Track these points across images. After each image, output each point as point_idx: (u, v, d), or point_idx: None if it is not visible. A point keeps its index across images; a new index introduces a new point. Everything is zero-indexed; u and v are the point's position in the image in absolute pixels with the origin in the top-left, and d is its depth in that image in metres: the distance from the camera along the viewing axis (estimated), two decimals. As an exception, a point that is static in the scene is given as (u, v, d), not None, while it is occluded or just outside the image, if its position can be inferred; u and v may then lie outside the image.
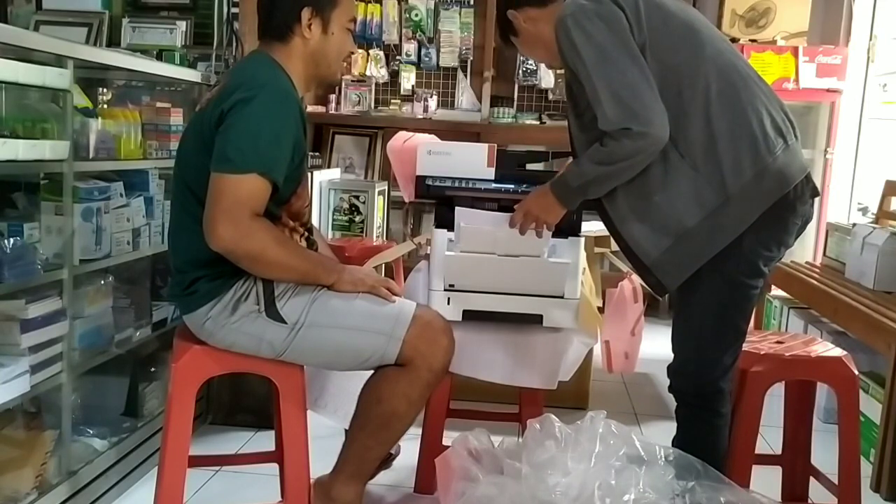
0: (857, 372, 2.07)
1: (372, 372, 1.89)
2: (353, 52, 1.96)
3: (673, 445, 1.82)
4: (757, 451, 2.07)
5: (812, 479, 2.29)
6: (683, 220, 1.79)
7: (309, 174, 1.98)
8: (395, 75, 5.29)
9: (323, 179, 4.25)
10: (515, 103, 5.30)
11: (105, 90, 2.73)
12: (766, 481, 2.14)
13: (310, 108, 5.19)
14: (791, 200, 1.82)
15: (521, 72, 5.23)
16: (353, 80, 5.30)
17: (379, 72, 5.26)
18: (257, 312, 1.81)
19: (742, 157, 1.78)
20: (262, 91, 1.77)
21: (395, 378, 1.84)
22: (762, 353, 2.07)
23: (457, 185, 2.08)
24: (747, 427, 2.03)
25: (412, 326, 1.83)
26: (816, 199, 1.92)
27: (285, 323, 1.81)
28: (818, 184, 4.21)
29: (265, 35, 1.92)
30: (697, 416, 1.92)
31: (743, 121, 1.79)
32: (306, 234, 1.97)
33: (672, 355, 1.95)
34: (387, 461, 2.12)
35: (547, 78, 5.20)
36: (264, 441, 2.64)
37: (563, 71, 2.01)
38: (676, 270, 1.84)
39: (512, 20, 1.99)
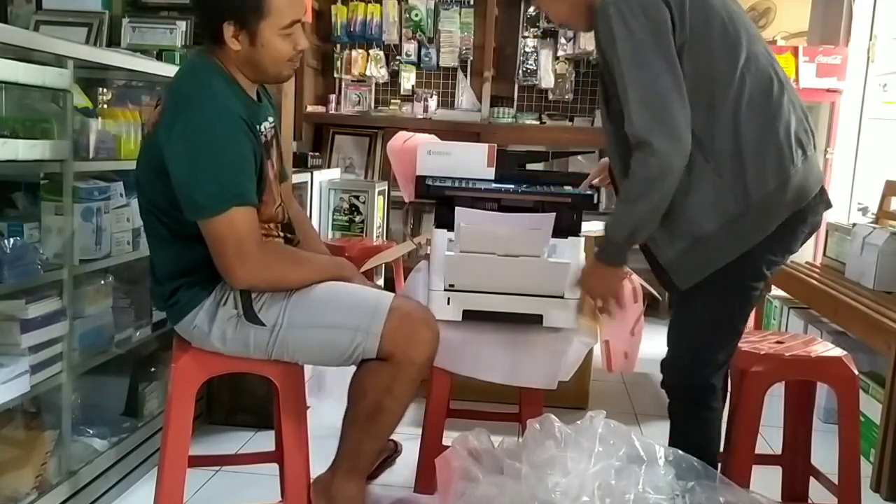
0: (857, 372, 2.07)
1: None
2: (300, 51, 1.87)
3: (670, 444, 1.83)
4: (757, 451, 2.07)
5: (812, 479, 2.29)
6: (703, 224, 1.78)
7: (270, 174, 1.90)
8: (395, 75, 5.30)
9: (323, 179, 4.26)
10: (515, 103, 5.30)
11: (105, 90, 2.73)
12: (766, 481, 2.14)
13: (310, 108, 5.19)
14: (804, 212, 1.82)
15: (521, 72, 5.23)
16: (353, 80, 5.30)
17: (379, 72, 5.26)
18: (237, 317, 1.82)
19: (766, 167, 1.76)
20: (198, 117, 1.71)
21: (377, 371, 1.83)
22: (762, 353, 2.07)
23: (457, 185, 2.07)
24: (747, 427, 2.03)
25: (389, 320, 1.81)
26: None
27: (265, 325, 1.82)
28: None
29: (203, 37, 1.87)
30: (689, 411, 1.94)
31: (771, 129, 1.77)
32: (283, 233, 1.96)
33: (666, 350, 1.97)
34: (389, 459, 2.12)
35: (547, 78, 5.20)
36: (264, 441, 2.64)
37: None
38: (690, 272, 1.83)
39: None
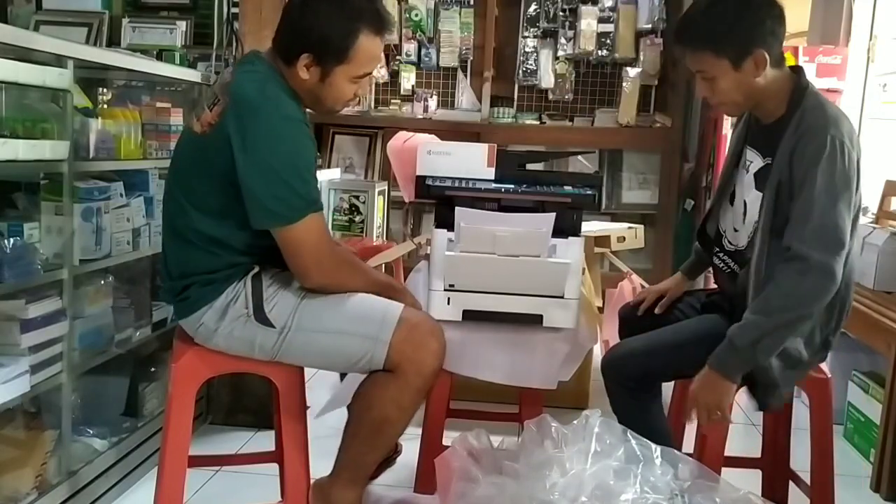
0: (829, 375, 2.06)
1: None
2: (358, 95, 1.91)
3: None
4: (740, 455, 2.06)
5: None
6: (802, 351, 1.89)
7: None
8: (395, 75, 5.29)
9: (323, 179, 4.25)
10: (515, 103, 5.29)
11: (105, 90, 2.73)
12: (747, 485, 2.12)
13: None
14: None
15: (521, 72, 5.23)
16: (353, 80, 5.29)
17: (379, 72, 5.25)
18: (246, 316, 1.81)
19: (842, 318, 1.94)
20: (267, 126, 1.72)
21: (384, 384, 1.83)
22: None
23: (457, 185, 2.07)
24: (715, 430, 1.99)
25: (398, 329, 1.81)
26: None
27: (273, 327, 1.81)
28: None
29: (274, 44, 1.86)
30: (640, 400, 1.98)
31: (848, 295, 1.93)
32: None
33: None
34: (390, 459, 2.12)
35: (547, 78, 5.20)
36: (264, 441, 2.64)
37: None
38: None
39: (749, 55, 1.83)
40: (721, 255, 2.07)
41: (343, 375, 2.22)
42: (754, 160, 1.98)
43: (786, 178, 1.84)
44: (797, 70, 1.93)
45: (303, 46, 1.78)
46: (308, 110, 1.90)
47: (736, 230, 2.02)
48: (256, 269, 1.84)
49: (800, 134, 1.83)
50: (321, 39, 1.77)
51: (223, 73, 1.88)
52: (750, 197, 1.97)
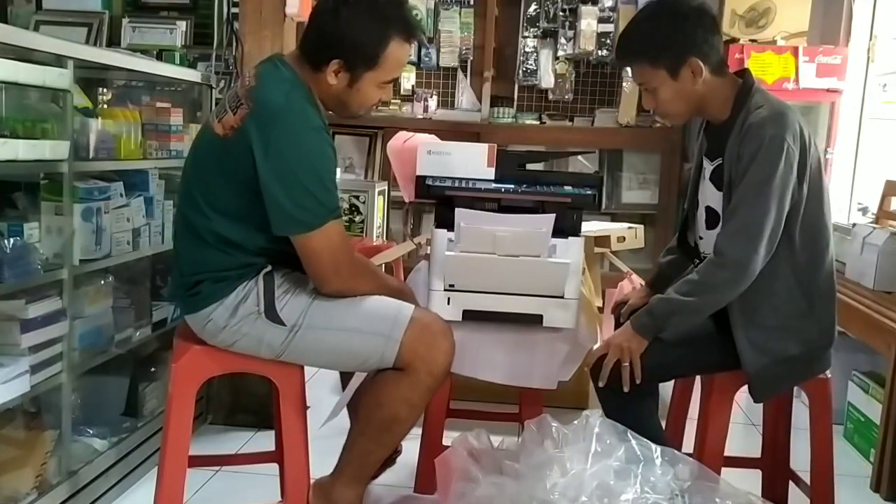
0: (829, 375, 2.05)
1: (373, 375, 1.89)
2: (381, 101, 1.96)
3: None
4: (740, 455, 2.05)
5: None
6: (788, 348, 1.93)
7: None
8: (395, 75, 5.28)
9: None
10: (515, 103, 5.30)
11: (105, 90, 2.73)
12: (748, 485, 2.12)
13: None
14: None
15: (521, 72, 5.23)
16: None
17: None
18: (257, 314, 1.81)
19: (833, 320, 1.99)
20: (290, 134, 1.73)
21: (395, 382, 1.83)
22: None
23: (457, 185, 2.07)
24: (715, 430, 2.01)
25: (410, 329, 1.82)
26: None
27: (284, 325, 1.81)
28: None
29: (301, 50, 1.87)
30: (639, 404, 1.97)
31: (830, 285, 1.98)
32: None
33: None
34: (390, 459, 2.12)
35: (547, 78, 5.20)
36: (264, 441, 2.64)
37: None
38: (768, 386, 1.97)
39: (684, 64, 1.90)
40: (699, 263, 2.09)
41: (343, 376, 2.22)
42: (707, 166, 2.05)
43: (732, 178, 1.90)
44: (743, 73, 1.99)
45: (334, 53, 1.79)
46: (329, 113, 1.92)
47: (701, 237, 2.07)
48: (269, 269, 1.85)
49: (743, 134, 1.88)
50: (353, 46, 1.79)
51: (245, 75, 1.87)
52: (714, 200, 2.01)
